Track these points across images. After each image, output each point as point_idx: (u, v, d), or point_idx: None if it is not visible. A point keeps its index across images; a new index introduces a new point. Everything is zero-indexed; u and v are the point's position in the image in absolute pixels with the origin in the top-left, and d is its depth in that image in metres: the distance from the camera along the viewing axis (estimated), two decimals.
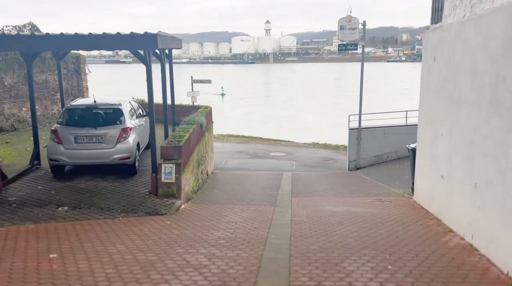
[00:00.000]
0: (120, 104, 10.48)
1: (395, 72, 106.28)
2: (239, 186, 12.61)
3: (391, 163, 15.73)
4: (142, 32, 8.44)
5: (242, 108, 45.94)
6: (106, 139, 9.86)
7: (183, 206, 9.10)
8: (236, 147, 22.89)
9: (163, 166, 9.03)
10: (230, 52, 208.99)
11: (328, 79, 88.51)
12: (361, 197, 10.70)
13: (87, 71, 20.25)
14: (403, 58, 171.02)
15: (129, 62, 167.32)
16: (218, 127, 30.66)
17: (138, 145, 10.63)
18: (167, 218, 7.92)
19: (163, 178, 9.03)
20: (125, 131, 10.06)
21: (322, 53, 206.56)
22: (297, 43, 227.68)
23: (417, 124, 17.10)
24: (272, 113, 42.27)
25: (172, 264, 5.16)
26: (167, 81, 11.69)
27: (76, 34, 8.51)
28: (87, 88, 20.25)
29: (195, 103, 17.12)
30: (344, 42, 15.56)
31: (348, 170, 16.56)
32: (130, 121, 10.41)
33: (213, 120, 16.58)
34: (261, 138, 25.58)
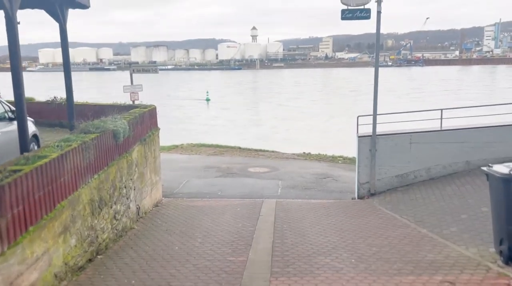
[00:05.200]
0: None
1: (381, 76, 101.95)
2: (182, 240, 7.20)
3: (424, 187, 10.38)
4: None
5: (218, 114, 40.69)
6: None
7: None
8: (206, 161, 17.56)
9: None
10: (217, 58, 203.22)
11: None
12: (408, 274, 5.36)
13: None
14: (389, 63, 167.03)
15: (114, 69, 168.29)
16: (193, 135, 25.43)
17: None
18: None
19: None
20: None
21: (309, 59, 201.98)
22: (283, 50, 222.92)
23: (462, 129, 11.92)
24: (244, 118, 37.40)
25: None
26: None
27: None
28: None
29: (135, 102, 11.76)
30: (349, 7, 10.27)
31: (358, 197, 11.24)
32: None
33: (158, 126, 11.20)
34: (240, 148, 20.34)
